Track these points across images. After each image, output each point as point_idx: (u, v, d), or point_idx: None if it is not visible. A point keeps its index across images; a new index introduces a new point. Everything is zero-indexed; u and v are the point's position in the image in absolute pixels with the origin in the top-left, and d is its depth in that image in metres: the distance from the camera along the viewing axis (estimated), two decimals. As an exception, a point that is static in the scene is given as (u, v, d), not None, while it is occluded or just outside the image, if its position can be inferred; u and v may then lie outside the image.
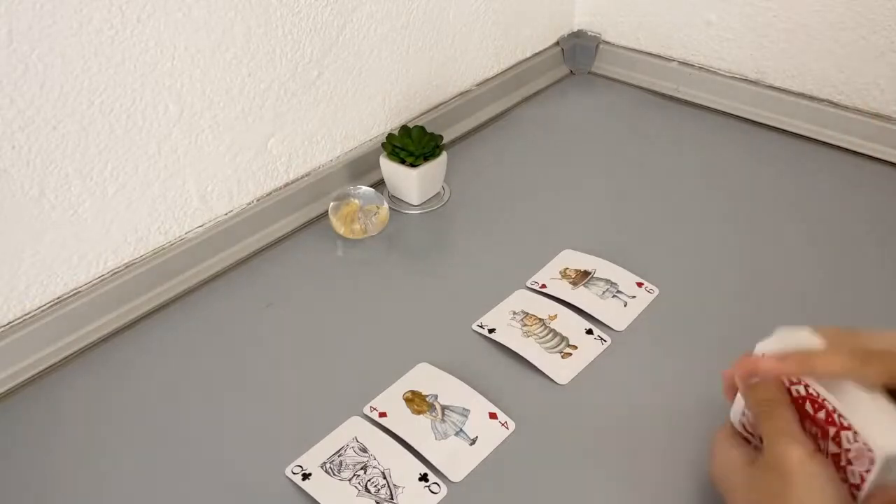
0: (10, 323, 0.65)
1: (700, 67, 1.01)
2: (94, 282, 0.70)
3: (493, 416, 0.60)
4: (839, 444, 0.44)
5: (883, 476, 0.42)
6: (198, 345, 0.69)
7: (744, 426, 0.50)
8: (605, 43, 1.09)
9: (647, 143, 0.95)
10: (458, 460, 0.57)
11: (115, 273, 0.70)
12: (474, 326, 0.69)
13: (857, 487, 0.43)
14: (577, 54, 1.10)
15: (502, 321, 0.69)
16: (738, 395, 0.50)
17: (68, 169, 0.64)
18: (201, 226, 0.76)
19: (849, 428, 0.43)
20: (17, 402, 0.65)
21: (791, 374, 0.46)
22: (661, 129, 0.98)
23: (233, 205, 0.78)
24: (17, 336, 0.65)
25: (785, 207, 0.83)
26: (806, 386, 0.46)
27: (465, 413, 0.60)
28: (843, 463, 0.44)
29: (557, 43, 1.09)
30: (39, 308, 0.67)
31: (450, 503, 0.55)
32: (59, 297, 0.68)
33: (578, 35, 1.11)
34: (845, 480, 0.44)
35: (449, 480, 0.56)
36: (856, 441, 0.43)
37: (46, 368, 0.67)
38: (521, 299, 0.71)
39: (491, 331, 0.68)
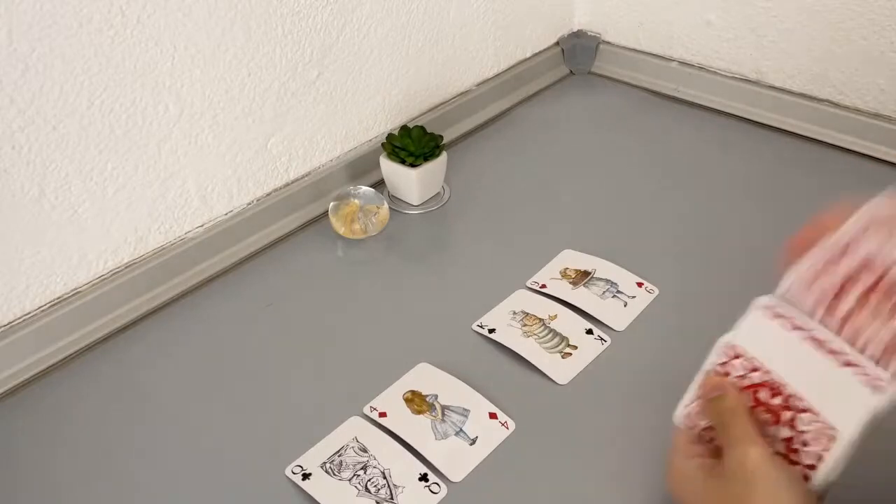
0: (10, 323, 0.65)
1: (700, 67, 1.01)
2: (94, 282, 0.70)
3: (493, 416, 0.60)
4: (794, 427, 0.45)
5: (844, 454, 0.43)
6: (198, 345, 0.69)
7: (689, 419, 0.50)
8: (605, 43, 1.09)
9: (648, 143, 0.95)
10: (458, 460, 0.57)
11: (115, 273, 0.70)
12: (474, 326, 0.69)
13: (812, 468, 0.44)
14: (577, 54, 1.10)
15: (502, 321, 0.69)
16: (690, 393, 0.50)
17: (68, 169, 0.64)
18: (201, 226, 0.76)
19: (807, 410, 0.44)
20: (17, 403, 0.65)
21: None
22: (661, 129, 0.98)
23: (233, 205, 0.78)
24: (17, 336, 0.65)
25: (785, 207, 0.82)
26: (766, 372, 0.46)
27: (465, 413, 0.60)
28: (795, 446, 0.44)
29: (557, 43, 1.09)
30: (39, 308, 0.67)
31: (450, 503, 0.55)
32: (59, 297, 0.68)
33: (578, 35, 1.10)
34: (797, 463, 0.44)
35: (449, 480, 0.56)
36: (816, 422, 0.43)
37: (46, 368, 0.67)
38: (521, 299, 0.71)
39: (491, 331, 0.68)
